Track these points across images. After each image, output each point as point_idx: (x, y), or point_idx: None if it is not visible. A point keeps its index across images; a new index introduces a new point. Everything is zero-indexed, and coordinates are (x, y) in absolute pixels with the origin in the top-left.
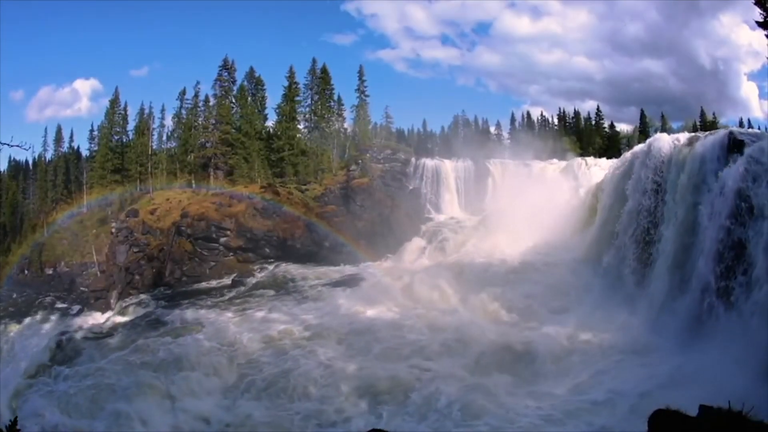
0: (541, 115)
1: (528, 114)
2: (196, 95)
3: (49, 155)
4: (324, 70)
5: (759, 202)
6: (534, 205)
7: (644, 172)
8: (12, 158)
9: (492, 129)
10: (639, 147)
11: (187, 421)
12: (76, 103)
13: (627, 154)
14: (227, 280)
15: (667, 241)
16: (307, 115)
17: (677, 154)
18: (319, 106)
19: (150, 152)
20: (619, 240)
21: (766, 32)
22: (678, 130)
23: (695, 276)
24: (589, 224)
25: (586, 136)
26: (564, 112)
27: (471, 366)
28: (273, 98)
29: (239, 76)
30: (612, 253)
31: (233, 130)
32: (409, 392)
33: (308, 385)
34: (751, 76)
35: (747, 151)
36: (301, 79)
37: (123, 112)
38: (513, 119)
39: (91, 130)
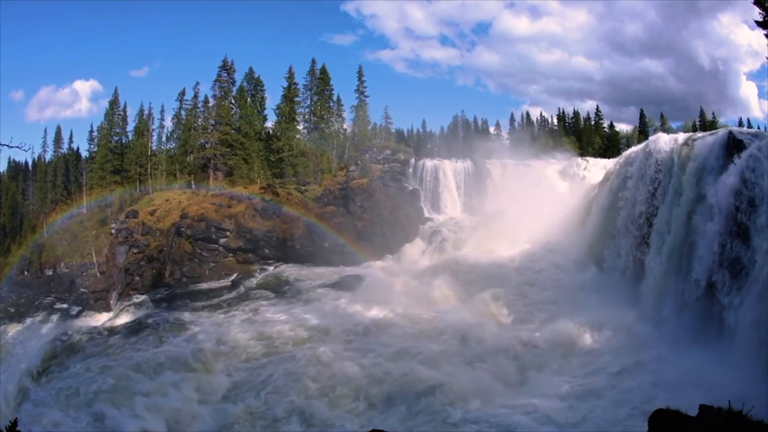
0: (541, 115)
1: (527, 114)
2: (196, 96)
3: (48, 156)
4: (323, 71)
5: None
6: (533, 205)
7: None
8: (12, 159)
9: (491, 129)
10: (636, 147)
11: (167, 423)
12: (75, 104)
13: (624, 155)
14: (227, 281)
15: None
16: (306, 116)
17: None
18: (319, 107)
19: (150, 153)
20: (617, 241)
21: (765, 32)
22: (678, 130)
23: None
24: (588, 224)
25: (586, 136)
26: (563, 112)
27: (466, 367)
28: (273, 99)
29: (239, 76)
30: (610, 254)
31: (233, 131)
32: (402, 394)
33: (296, 386)
34: (751, 76)
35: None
36: (301, 79)
37: (122, 113)
38: (512, 119)
39: (91, 131)
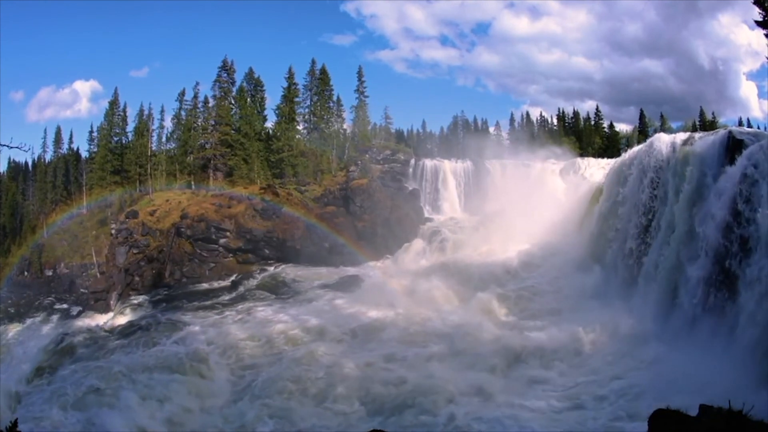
0: (541, 115)
1: (527, 114)
2: (196, 96)
3: (48, 156)
4: (323, 71)
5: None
6: (533, 206)
7: (642, 175)
8: (11, 159)
9: (491, 129)
10: (627, 158)
11: (159, 426)
12: (75, 104)
13: (615, 168)
14: (227, 282)
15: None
16: (306, 116)
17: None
18: (319, 107)
19: (149, 153)
20: (616, 242)
21: (765, 32)
22: (677, 130)
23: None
24: (588, 225)
25: (586, 136)
26: (563, 112)
27: (456, 371)
28: (272, 99)
29: (239, 76)
30: (609, 254)
31: (233, 131)
32: (385, 398)
33: (277, 387)
34: (751, 76)
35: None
36: (301, 79)
37: (122, 113)
38: (512, 119)
39: (91, 131)
